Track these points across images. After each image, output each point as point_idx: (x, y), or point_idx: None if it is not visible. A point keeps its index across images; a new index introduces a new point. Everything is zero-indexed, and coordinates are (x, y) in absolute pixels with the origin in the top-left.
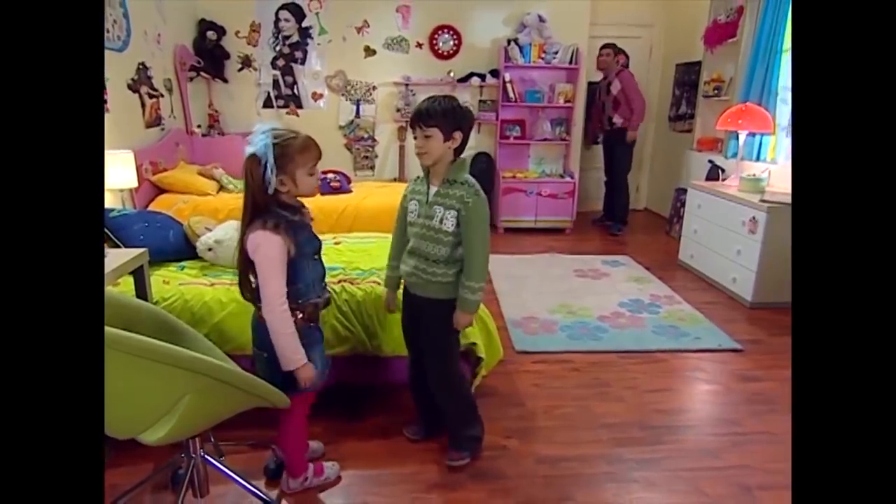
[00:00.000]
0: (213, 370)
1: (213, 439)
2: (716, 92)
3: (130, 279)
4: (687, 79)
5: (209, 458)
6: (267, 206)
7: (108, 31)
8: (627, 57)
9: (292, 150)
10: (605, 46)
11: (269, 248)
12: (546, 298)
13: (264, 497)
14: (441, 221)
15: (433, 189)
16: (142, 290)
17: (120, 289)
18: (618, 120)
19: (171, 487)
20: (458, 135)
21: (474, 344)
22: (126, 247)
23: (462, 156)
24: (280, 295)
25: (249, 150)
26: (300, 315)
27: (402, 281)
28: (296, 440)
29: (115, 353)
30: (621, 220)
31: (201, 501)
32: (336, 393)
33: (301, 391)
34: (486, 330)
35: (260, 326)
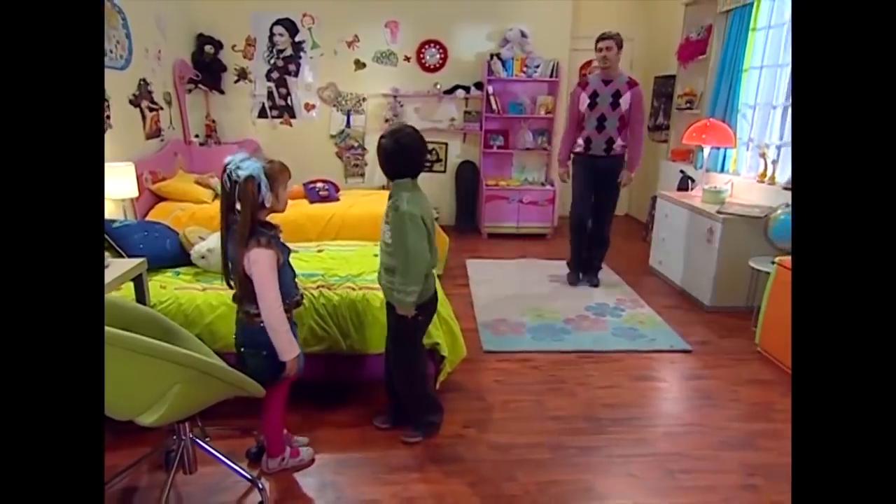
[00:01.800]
0: (199, 364)
1: (199, 424)
2: (688, 105)
3: (131, 284)
4: (664, 91)
5: (197, 440)
6: (258, 223)
7: (111, 52)
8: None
9: (275, 172)
10: (604, 38)
11: (266, 262)
12: (518, 302)
13: (246, 475)
14: (385, 234)
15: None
16: (141, 295)
17: (121, 293)
18: (619, 144)
19: (165, 467)
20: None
21: (437, 343)
22: (127, 255)
23: (405, 179)
24: (277, 300)
25: (244, 173)
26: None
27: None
28: (274, 423)
29: (116, 349)
30: (598, 268)
31: (190, 478)
32: (313, 387)
33: (285, 379)
34: (450, 332)
35: (247, 329)
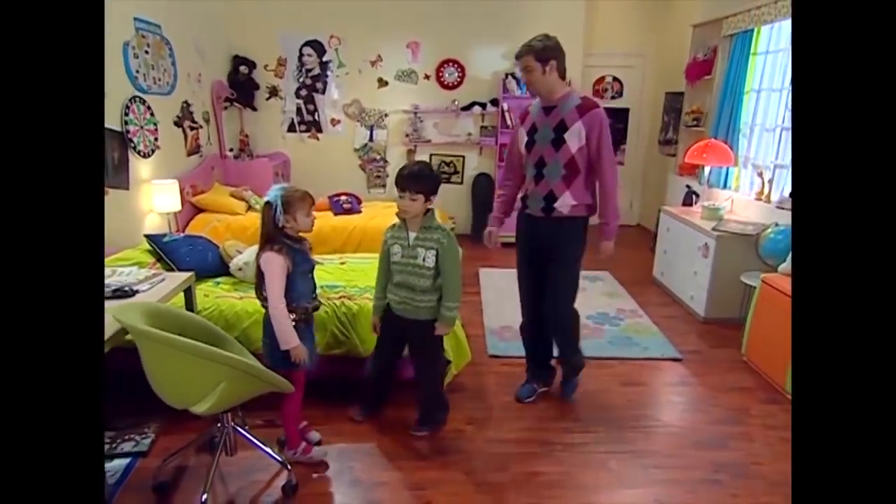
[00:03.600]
0: (241, 365)
1: (240, 414)
2: (695, 122)
3: (181, 294)
4: (674, 107)
5: (238, 427)
6: (276, 236)
7: (159, 80)
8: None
9: (294, 199)
10: (519, 55)
11: (273, 264)
12: None
13: (278, 459)
14: (423, 260)
15: (412, 234)
16: (189, 304)
17: (173, 302)
18: (568, 204)
19: (209, 451)
20: (433, 198)
21: (443, 349)
22: (177, 268)
23: (431, 207)
24: (279, 296)
25: (265, 200)
26: (293, 315)
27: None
28: (289, 416)
29: (178, 352)
30: (578, 366)
31: (231, 460)
32: (335, 385)
33: (294, 368)
34: (455, 337)
35: (264, 318)
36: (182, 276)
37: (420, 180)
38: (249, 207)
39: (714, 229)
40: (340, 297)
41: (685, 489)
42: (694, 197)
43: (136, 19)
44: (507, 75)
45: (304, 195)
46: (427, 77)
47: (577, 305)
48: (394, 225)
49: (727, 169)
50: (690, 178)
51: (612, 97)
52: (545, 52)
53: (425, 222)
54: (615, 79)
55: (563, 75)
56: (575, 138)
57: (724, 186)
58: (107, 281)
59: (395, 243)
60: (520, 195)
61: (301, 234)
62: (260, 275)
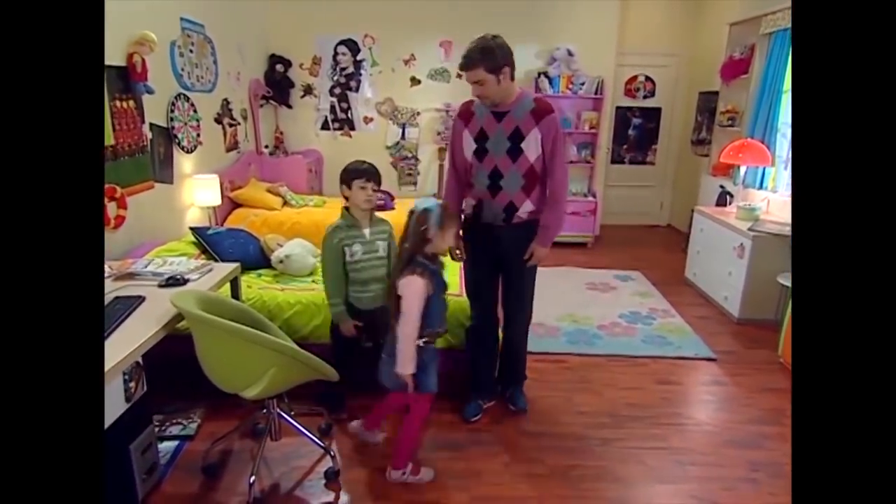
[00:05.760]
0: (290, 351)
1: (286, 400)
2: (730, 122)
3: (227, 284)
4: (707, 106)
5: (283, 413)
6: (418, 252)
7: (202, 77)
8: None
9: (452, 217)
10: (465, 67)
11: (415, 287)
12: (555, 308)
13: (320, 444)
14: (381, 251)
15: (367, 230)
16: (236, 293)
17: (220, 292)
18: (528, 210)
19: (252, 436)
20: None
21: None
22: (221, 259)
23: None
24: (416, 322)
25: (423, 206)
26: (425, 338)
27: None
28: (410, 436)
29: (230, 336)
30: (522, 375)
31: (274, 445)
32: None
33: (419, 391)
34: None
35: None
36: (229, 267)
37: (378, 175)
38: (285, 203)
39: (750, 229)
40: None
41: (721, 486)
42: (728, 197)
43: (182, 19)
44: (539, 74)
45: (458, 215)
46: (459, 76)
47: (606, 304)
48: (338, 227)
49: (763, 169)
50: (724, 179)
51: (645, 97)
52: (498, 62)
53: (374, 219)
54: (647, 78)
55: (513, 76)
56: (532, 147)
57: (760, 187)
58: (159, 269)
59: (353, 242)
60: (469, 204)
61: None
62: (396, 297)
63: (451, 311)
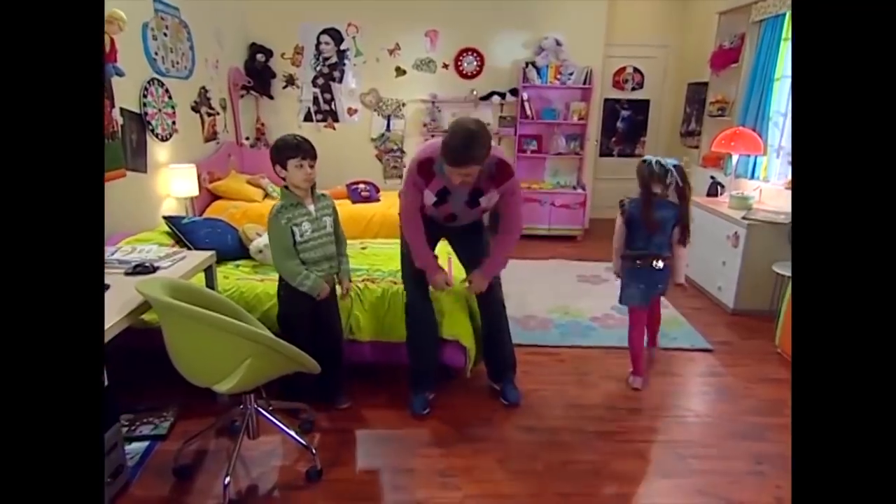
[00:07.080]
0: (267, 341)
1: (264, 395)
2: (720, 112)
3: (201, 274)
4: (697, 97)
5: (261, 409)
6: None
7: (178, 63)
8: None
9: None
10: (466, 161)
11: None
12: (547, 300)
13: (301, 441)
14: (328, 226)
15: (311, 207)
16: (210, 283)
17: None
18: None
19: (228, 434)
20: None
21: (459, 336)
22: (195, 248)
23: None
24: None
25: (672, 164)
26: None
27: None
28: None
29: (203, 325)
30: (511, 365)
31: (252, 444)
32: (362, 371)
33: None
34: (476, 325)
35: None
36: (203, 255)
37: (313, 150)
38: (266, 195)
39: (744, 218)
40: (363, 281)
41: (727, 480)
42: (719, 188)
43: (155, 0)
44: (526, 64)
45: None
46: (445, 66)
47: (599, 296)
48: (282, 207)
49: (755, 158)
50: (715, 170)
51: (633, 88)
52: (486, 151)
53: (314, 192)
54: (636, 70)
55: None
56: (490, 199)
57: (752, 176)
58: (127, 257)
59: (302, 221)
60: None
61: None
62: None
63: (385, 296)
